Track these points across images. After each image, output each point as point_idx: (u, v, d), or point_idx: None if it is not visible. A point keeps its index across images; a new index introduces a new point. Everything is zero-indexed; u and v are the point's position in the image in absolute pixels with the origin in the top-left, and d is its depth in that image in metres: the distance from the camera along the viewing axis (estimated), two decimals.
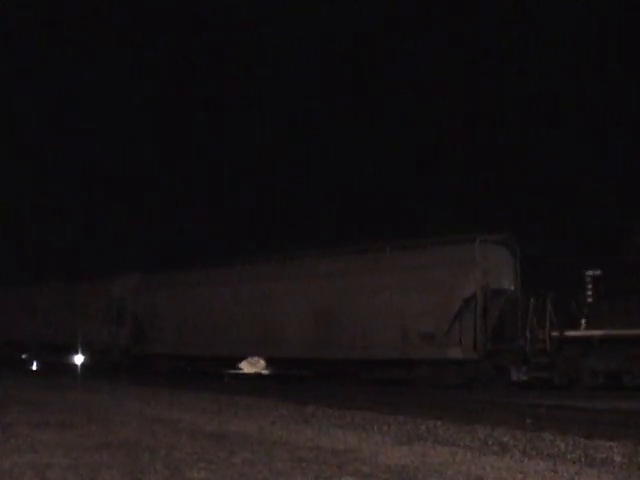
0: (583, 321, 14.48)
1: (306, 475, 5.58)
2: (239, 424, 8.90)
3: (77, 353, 25.88)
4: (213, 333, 20.59)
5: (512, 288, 16.04)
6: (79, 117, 69.39)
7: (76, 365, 26.00)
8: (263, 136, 61.34)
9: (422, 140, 51.01)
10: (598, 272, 14.55)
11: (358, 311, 17.18)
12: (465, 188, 44.21)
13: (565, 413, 10.83)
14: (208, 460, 6.19)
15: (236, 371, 22.32)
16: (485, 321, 15.30)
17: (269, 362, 20.86)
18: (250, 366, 23.76)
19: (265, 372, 22.34)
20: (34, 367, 28.70)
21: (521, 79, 52.87)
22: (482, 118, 49.47)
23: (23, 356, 29.90)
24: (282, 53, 64.88)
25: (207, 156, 61.78)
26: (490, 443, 7.38)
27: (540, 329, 14.66)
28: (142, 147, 63.55)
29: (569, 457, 6.54)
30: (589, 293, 14.56)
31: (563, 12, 49.92)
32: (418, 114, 52.44)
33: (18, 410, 10.56)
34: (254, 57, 65.87)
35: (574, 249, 16.51)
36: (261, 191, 57.08)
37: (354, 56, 58.71)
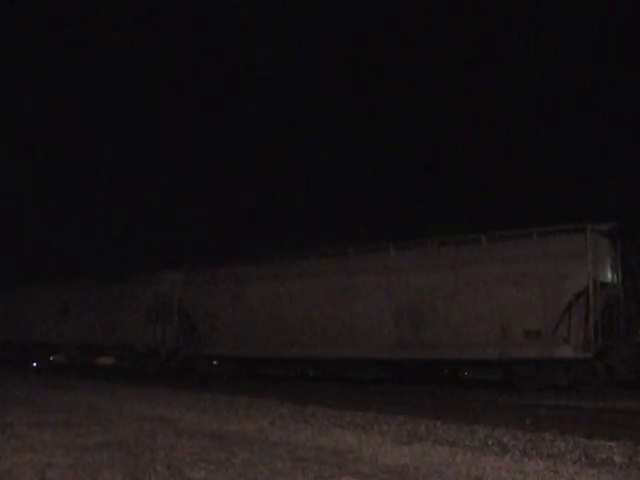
0: None
1: (306, 475, 5.58)
2: (239, 424, 8.90)
3: (112, 355, 24.75)
4: (279, 333, 18.87)
5: (615, 281, 15.11)
6: (79, 117, 69.39)
7: (110, 367, 24.84)
8: (263, 136, 61.36)
9: (422, 140, 51.03)
10: None
11: (449, 307, 15.85)
12: (465, 188, 44.18)
13: (565, 413, 10.83)
14: (208, 460, 6.19)
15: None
16: (596, 317, 14.22)
17: (342, 364, 18.37)
18: None
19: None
20: (34, 366, 28.22)
21: (521, 79, 52.90)
22: (482, 118, 49.48)
23: (51, 358, 28.53)
24: (282, 53, 64.92)
25: (207, 156, 61.80)
26: (490, 443, 7.38)
27: None
28: (142, 147, 63.54)
29: (569, 457, 6.54)
30: None
31: (563, 12, 49.94)
32: (418, 114, 52.47)
33: (18, 410, 10.56)
34: (254, 57, 65.91)
35: None
36: (261, 191, 57.10)
37: (354, 56, 58.73)
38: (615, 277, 15.15)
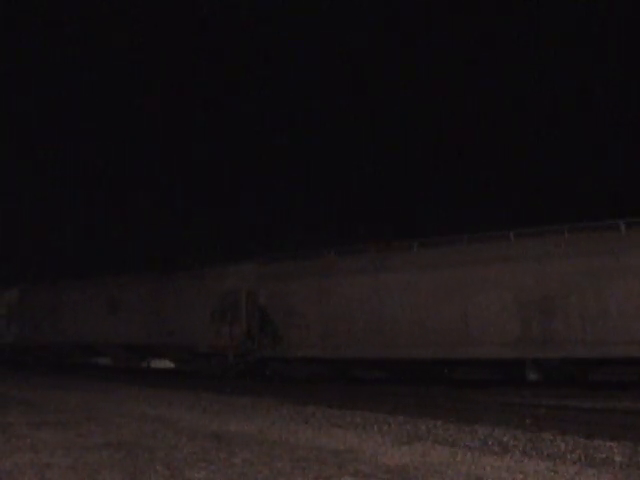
0: None
1: (306, 475, 5.59)
2: (239, 424, 8.90)
3: (167, 357, 22.75)
4: (376, 331, 16.85)
5: None
6: (79, 117, 69.40)
7: (166, 371, 23.05)
8: (263, 136, 61.38)
9: (422, 140, 51.04)
10: None
11: (587, 300, 14.28)
12: (465, 188, 44.18)
13: (565, 413, 10.83)
14: (208, 460, 6.19)
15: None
16: None
17: (451, 365, 16.76)
18: None
19: None
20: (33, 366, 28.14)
21: (521, 79, 52.91)
22: (482, 118, 49.48)
23: (94, 360, 26.43)
24: (282, 53, 64.93)
25: (207, 156, 61.80)
26: (490, 443, 7.38)
27: None
28: (142, 147, 63.54)
29: (569, 457, 6.54)
30: None
31: (563, 12, 49.94)
32: (418, 114, 52.47)
33: (19, 410, 10.57)
34: (254, 57, 65.93)
35: None
36: (261, 191, 57.11)
37: (354, 56, 58.72)
38: None
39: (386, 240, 18.29)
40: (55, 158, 61.21)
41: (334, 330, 17.55)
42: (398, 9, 58.49)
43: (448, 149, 50.01)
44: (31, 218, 51.09)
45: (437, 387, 15.78)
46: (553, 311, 14.61)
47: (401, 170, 48.22)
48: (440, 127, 51.98)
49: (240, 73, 63.55)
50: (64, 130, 61.95)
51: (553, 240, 15.12)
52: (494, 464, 6.13)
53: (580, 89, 45.29)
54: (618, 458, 6.45)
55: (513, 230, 15.64)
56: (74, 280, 27.47)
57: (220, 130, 59.90)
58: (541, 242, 15.21)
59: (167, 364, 23.69)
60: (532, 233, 15.54)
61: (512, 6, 51.92)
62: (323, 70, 60.48)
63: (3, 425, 8.64)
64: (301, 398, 13.00)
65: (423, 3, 58.29)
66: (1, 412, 10.19)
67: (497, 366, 15.44)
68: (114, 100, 62.92)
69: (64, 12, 61.94)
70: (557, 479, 5.59)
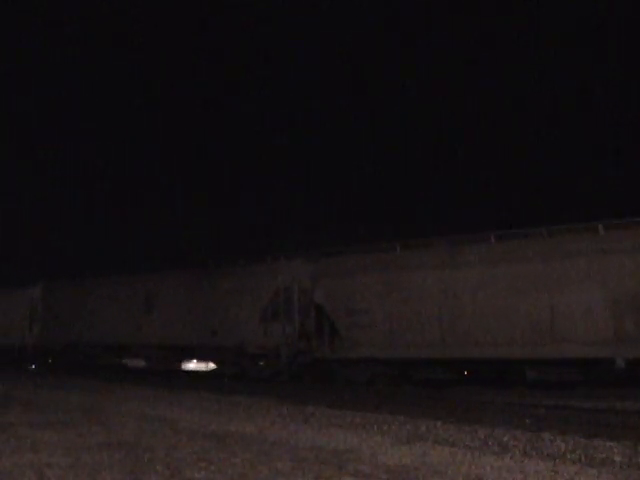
0: None
1: (306, 475, 5.59)
2: (239, 424, 8.90)
3: (209, 358, 21.32)
4: (449, 330, 15.81)
5: None
6: (79, 117, 69.39)
7: (206, 373, 21.59)
8: (263, 136, 61.35)
9: (422, 140, 51.02)
10: None
11: None
12: (465, 188, 44.18)
13: (565, 413, 10.83)
14: (208, 460, 6.19)
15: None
16: None
17: (532, 365, 15.64)
18: None
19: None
20: (33, 367, 27.49)
21: (521, 79, 52.89)
22: (482, 118, 49.46)
23: (124, 361, 24.65)
24: (282, 53, 64.91)
25: (207, 156, 61.80)
26: (490, 443, 7.38)
27: None
28: (142, 147, 63.52)
29: (569, 457, 6.54)
30: None
31: (563, 12, 49.91)
32: (418, 114, 52.46)
33: (18, 410, 10.57)
34: (254, 57, 65.92)
35: None
36: (261, 191, 57.08)
37: (354, 56, 58.74)
38: None
39: (458, 233, 17.11)
40: (55, 158, 61.15)
41: (401, 329, 16.45)
42: (398, 9, 58.47)
43: (448, 149, 50.00)
44: (51, 215, 51.08)
45: (437, 387, 15.78)
46: None
47: (401, 170, 48.22)
48: (440, 127, 51.98)
49: (240, 73, 63.57)
50: (64, 130, 61.86)
51: None
52: (494, 464, 6.13)
53: (580, 89, 45.27)
54: (618, 458, 6.45)
55: (601, 222, 14.85)
56: (104, 276, 25.50)
57: (220, 130, 59.88)
58: (633, 234, 14.33)
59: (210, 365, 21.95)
60: (623, 225, 14.71)
61: (512, 6, 51.91)
62: (323, 70, 60.49)
63: (3, 425, 8.64)
64: (301, 398, 13.00)
65: (423, 3, 58.27)
66: (1, 412, 10.19)
67: (583, 366, 14.62)
68: (114, 100, 62.90)
69: (64, 12, 61.93)
70: (557, 479, 5.59)
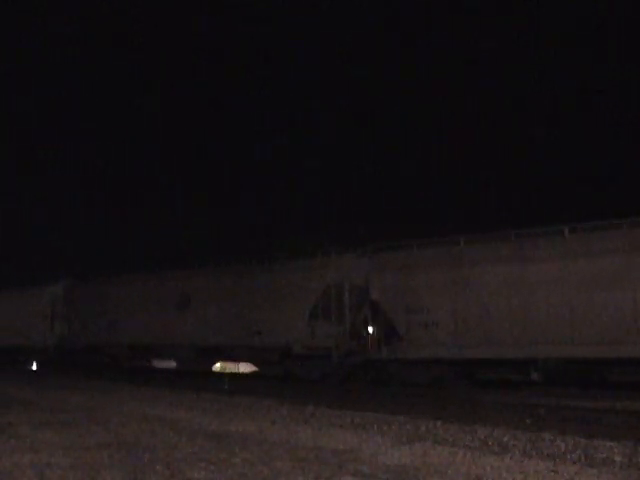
0: None
1: (306, 475, 5.59)
2: (239, 424, 8.90)
3: (249, 360, 19.99)
4: (518, 328, 14.73)
5: None
6: (79, 117, 69.40)
7: (247, 376, 20.19)
8: (263, 136, 61.39)
9: (422, 140, 51.03)
10: None
11: None
12: (465, 188, 44.21)
13: (565, 413, 10.84)
14: (208, 460, 6.20)
15: None
16: None
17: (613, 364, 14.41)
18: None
19: None
20: (34, 367, 27.42)
21: (521, 79, 52.91)
22: (482, 118, 49.49)
23: (152, 362, 23.31)
24: (282, 53, 64.94)
25: (207, 156, 61.82)
26: (490, 443, 7.38)
27: None
28: (142, 147, 63.53)
29: (569, 457, 6.54)
30: None
31: (563, 12, 49.93)
32: (418, 114, 52.48)
33: (18, 410, 10.57)
34: (254, 57, 65.96)
35: None
36: (261, 191, 57.09)
37: (354, 56, 58.77)
38: None
39: (528, 227, 15.96)
40: (55, 158, 61.17)
41: (467, 327, 15.49)
42: (398, 9, 58.50)
43: (447, 149, 50.02)
44: (71, 213, 50.96)
45: (437, 387, 15.78)
46: None
47: (401, 170, 48.23)
48: (440, 127, 52.00)
49: (240, 73, 63.60)
50: (64, 130, 61.86)
51: None
52: (494, 464, 6.13)
53: (580, 89, 45.29)
54: (618, 458, 6.46)
55: None
56: (133, 274, 24.07)
57: (220, 130, 59.90)
58: None
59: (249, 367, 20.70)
60: None
61: (512, 6, 51.93)
62: (323, 70, 60.52)
63: (3, 425, 8.64)
64: (301, 398, 13.01)
65: (423, 3, 58.31)
66: (1, 412, 10.19)
67: None
68: (114, 100, 62.93)
69: (64, 12, 61.97)
70: (557, 479, 5.59)
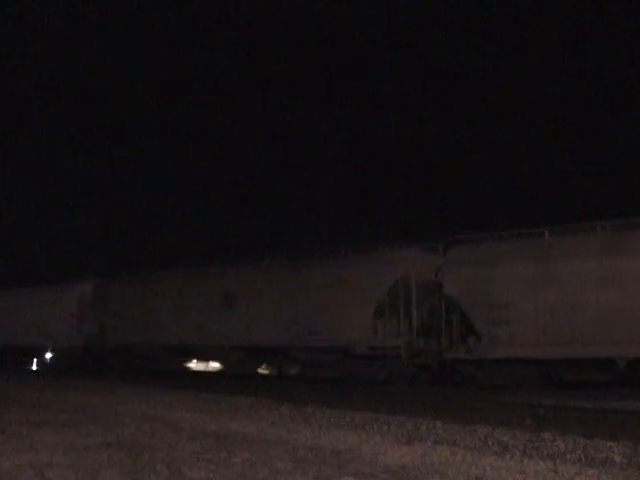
0: None
1: (306, 475, 5.59)
2: (239, 424, 8.90)
3: (303, 360, 18.79)
4: (613, 325, 13.72)
5: None
6: (79, 116, 69.40)
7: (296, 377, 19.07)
8: (263, 136, 61.39)
9: (422, 140, 51.04)
10: None
11: None
12: (465, 187, 44.21)
13: (565, 413, 10.84)
14: (208, 460, 6.19)
15: None
16: None
17: None
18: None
19: None
20: (34, 367, 27.30)
21: (521, 79, 52.90)
22: (482, 118, 49.49)
23: (190, 364, 22.33)
24: (282, 53, 64.97)
25: (207, 156, 61.80)
26: (490, 443, 7.38)
27: None
28: (142, 147, 63.54)
29: (569, 457, 6.54)
30: None
31: (563, 11, 49.95)
32: (418, 114, 52.49)
33: (18, 410, 10.56)
34: (254, 57, 65.98)
35: None
36: (261, 191, 57.09)
37: (354, 56, 58.79)
38: None
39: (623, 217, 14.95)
40: (56, 158, 61.18)
41: (554, 325, 14.42)
42: (398, 9, 58.53)
43: (448, 149, 50.03)
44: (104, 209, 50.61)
45: (437, 387, 15.79)
46: None
47: (401, 170, 48.24)
48: (440, 127, 52.00)
49: (240, 73, 63.61)
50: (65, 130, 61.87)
51: None
52: (494, 464, 6.12)
53: (581, 88, 45.26)
54: (618, 458, 6.45)
55: None
56: (170, 271, 22.65)
57: (220, 130, 59.91)
58: None
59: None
60: None
61: (513, 6, 51.93)
62: (323, 69, 60.55)
63: (3, 425, 8.63)
64: (301, 398, 13.00)
65: (423, 3, 58.33)
66: (1, 412, 10.19)
67: None
68: (114, 100, 62.95)
69: (64, 12, 62.00)
70: (557, 479, 5.59)
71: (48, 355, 26.46)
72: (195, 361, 22.24)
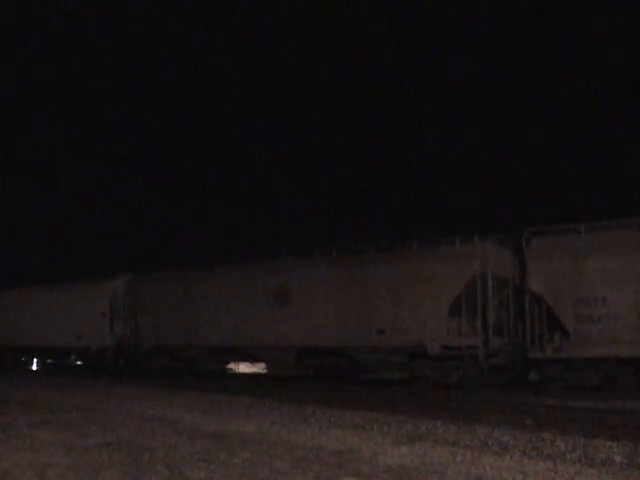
0: None
1: (306, 475, 5.59)
2: (239, 424, 8.90)
3: (364, 362, 17.18)
4: None
5: None
6: (80, 117, 69.43)
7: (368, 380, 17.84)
8: (263, 136, 61.41)
9: (421, 140, 51.05)
10: None
11: None
12: (465, 187, 44.21)
13: (565, 413, 10.84)
14: (208, 460, 6.20)
15: None
16: None
17: None
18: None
19: None
20: (34, 367, 27.24)
21: (521, 79, 52.92)
22: (482, 118, 49.51)
23: (232, 366, 21.17)
24: (283, 54, 64.99)
25: (207, 156, 61.81)
26: (490, 443, 7.38)
27: None
28: (142, 147, 63.54)
29: (569, 457, 6.54)
30: None
31: (563, 12, 49.98)
32: (418, 114, 52.49)
33: (18, 410, 10.57)
34: (253, 57, 66.02)
35: None
36: (261, 192, 57.11)
37: (354, 56, 58.82)
38: None
39: None
40: (56, 158, 61.21)
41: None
42: (398, 9, 58.55)
43: (448, 149, 50.07)
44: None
45: (437, 387, 15.78)
46: None
47: (400, 170, 48.27)
48: (440, 127, 52.05)
49: (240, 72, 63.65)
50: (65, 129, 61.89)
51: None
52: (494, 464, 6.13)
53: (580, 88, 45.31)
54: (618, 458, 6.46)
55: None
56: (217, 266, 21.22)
57: (220, 130, 59.93)
58: None
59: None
60: None
61: (513, 6, 51.97)
62: (323, 70, 60.59)
63: (3, 425, 8.64)
64: (301, 398, 13.00)
65: (423, 3, 58.37)
66: (1, 412, 10.19)
67: None
68: (114, 100, 62.99)
69: (64, 12, 62.04)
70: (557, 479, 5.59)
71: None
72: (245, 364, 21.02)
